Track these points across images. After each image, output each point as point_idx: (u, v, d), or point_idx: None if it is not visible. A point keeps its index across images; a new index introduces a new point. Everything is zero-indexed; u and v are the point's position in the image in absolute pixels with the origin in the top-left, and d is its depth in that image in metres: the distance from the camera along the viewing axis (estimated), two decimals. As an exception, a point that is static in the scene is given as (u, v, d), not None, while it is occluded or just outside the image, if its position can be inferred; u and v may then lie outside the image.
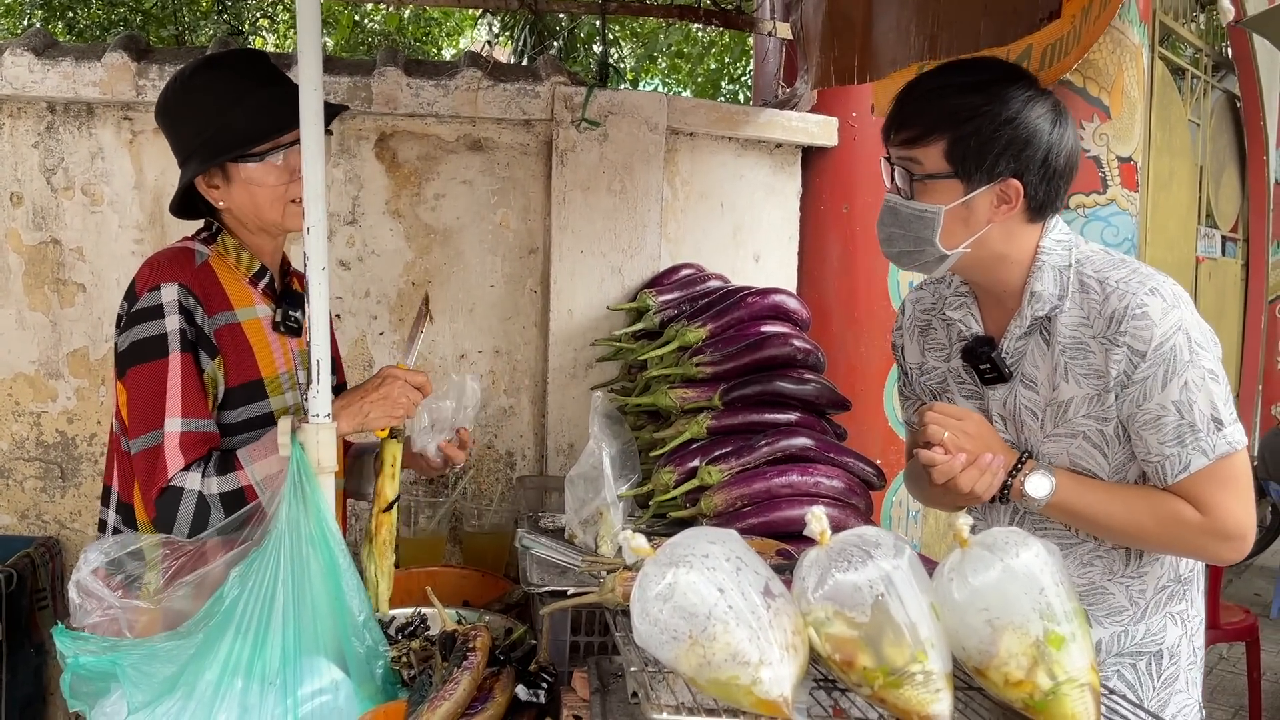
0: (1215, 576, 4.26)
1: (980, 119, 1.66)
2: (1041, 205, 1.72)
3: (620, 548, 2.13)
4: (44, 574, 2.83)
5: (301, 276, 2.23)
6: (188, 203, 2.04)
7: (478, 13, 10.56)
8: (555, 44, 9.60)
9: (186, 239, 2.04)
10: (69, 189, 2.89)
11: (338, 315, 3.00)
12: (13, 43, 2.85)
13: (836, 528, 2.18)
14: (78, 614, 1.86)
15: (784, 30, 3.45)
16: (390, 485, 2.09)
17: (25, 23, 10.25)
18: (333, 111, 2.07)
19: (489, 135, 3.01)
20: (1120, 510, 1.71)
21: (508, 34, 10.22)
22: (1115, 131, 5.04)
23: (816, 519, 1.25)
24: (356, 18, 10.08)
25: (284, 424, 1.88)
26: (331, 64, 2.97)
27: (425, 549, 2.94)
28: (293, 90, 2.00)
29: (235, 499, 1.85)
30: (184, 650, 1.75)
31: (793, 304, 2.71)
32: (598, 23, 9.00)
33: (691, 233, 3.18)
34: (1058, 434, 1.76)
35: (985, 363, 1.81)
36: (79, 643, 1.74)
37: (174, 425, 1.88)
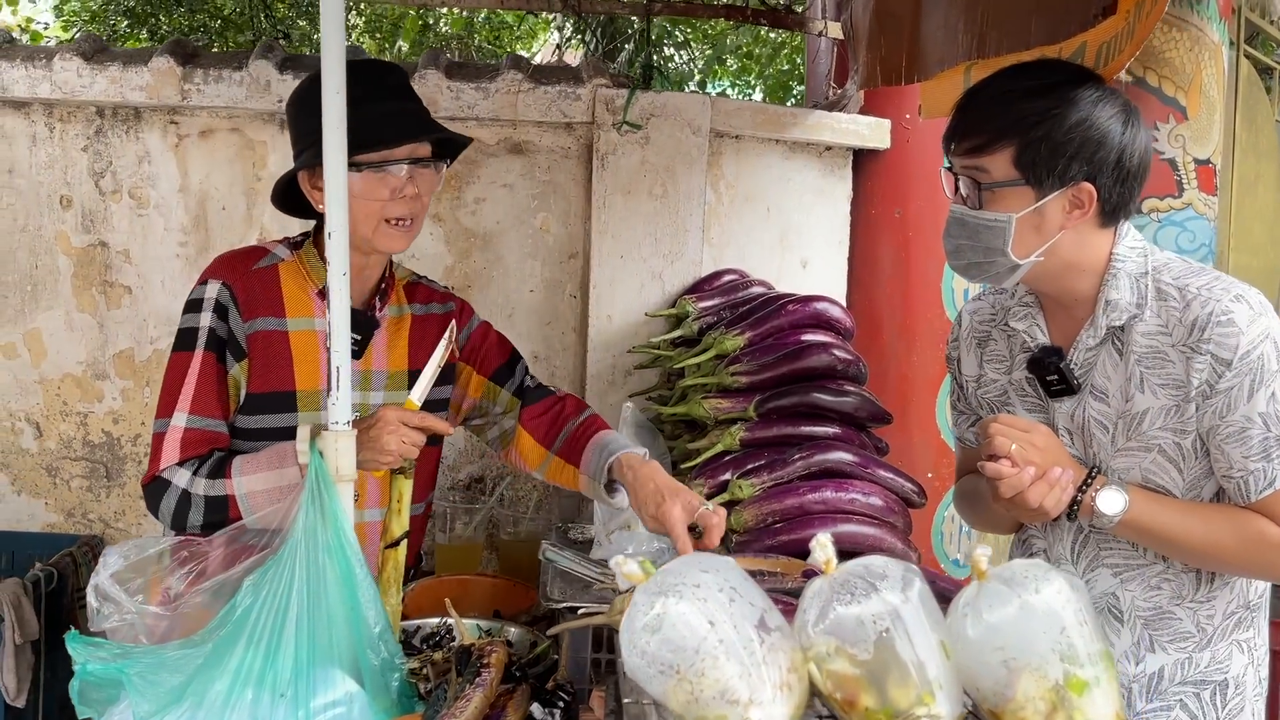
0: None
1: (1050, 122, 1.60)
2: (1115, 209, 1.66)
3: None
4: (86, 573, 2.86)
5: (411, 287, 2.14)
6: (294, 200, 2.00)
7: (551, 15, 10.58)
8: (627, 47, 9.56)
9: (272, 241, 2.03)
10: (116, 192, 2.92)
11: (377, 319, 2.99)
12: (63, 47, 2.89)
13: (871, 549, 2.12)
14: (95, 618, 1.85)
15: (835, 30, 3.35)
16: (396, 522, 2.04)
17: (109, 28, 10.58)
18: (457, 144, 2.02)
19: (530, 138, 2.97)
20: (1199, 528, 1.63)
21: (580, 37, 10.22)
22: (1192, 132, 4.82)
23: (821, 546, 1.17)
24: (428, 21, 10.15)
25: (303, 431, 1.86)
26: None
27: (461, 556, 2.90)
28: (420, 110, 1.97)
29: (218, 505, 1.85)
30: (192, 660, 1.73)
31: (836, 312, 2.62)
32: (668, 25, 8.95)
33: (736, 237, 3.10)
34: (1130, 448, 1.68)
35: (1053, 374, 1.74)
36: (90, 649, 1.73)
37: (180, 420, 1.89)
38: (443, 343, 1.98)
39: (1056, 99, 1.62)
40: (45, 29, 10.89)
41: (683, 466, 2.37)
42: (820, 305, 2.61)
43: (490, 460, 3.05)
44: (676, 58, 10.13)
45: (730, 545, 2.20)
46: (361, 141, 1.86)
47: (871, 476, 2.23)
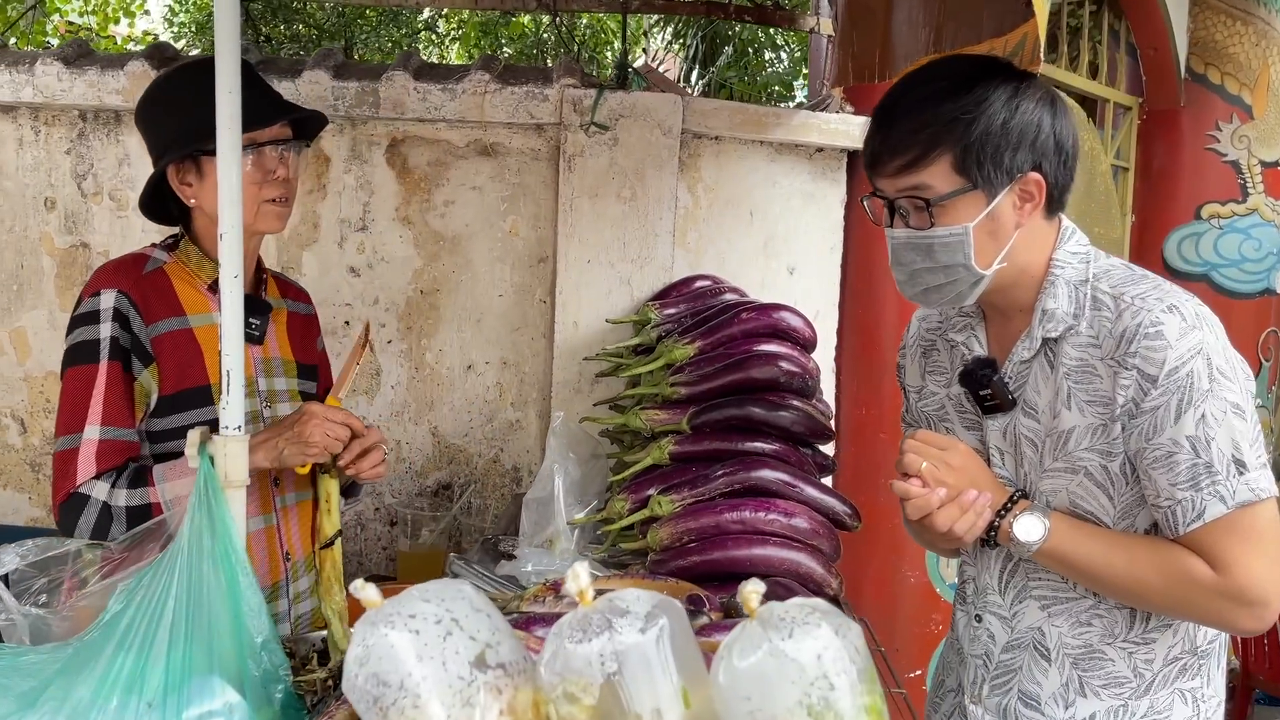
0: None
1: (983, 118, 1.48)
2: (1060, 195, 1.55)
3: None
4: (57, 567, 2.91)
5: (279, 280, 2.21)
6: (159, 207, 2.04)
7: (652, 20, 10.54)
8: (727, 50, 9.47)
9: (148, 246, 2.04)
10: (98, 194, 2.98)
11: (346, 322, 2.98)
12: (45, 52, 2.95)
13: (787, 573, 2.00)
14: (-17, 619, 1.87)
15: (827, 26, 3.21)
16: (328, 521, 2.02)
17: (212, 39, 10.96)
18: (314, 123, 2.06)
19: (500, 140, 2.92)
20: (1122, 562, 1.50)
21: (680, 41, 10.17)
22: (1258, 133, 4.51)
23: (574, 576, 1.08)
24: (487, 27, 10.22)
25: (192, 435, 1.84)
26: (344, 69, 2.95)
27: (426, 563, 2.87)
28: (270, 93, 2.02)
29: (141, 514, 1.82)
30: (49, 664, 1.72)
31: (794, 321, 2.49)
32: (760, 30, 8.81)
33: (714, 242, 2.99)
34: (1057, 469, 1.56)
35: (986, 388, 1.62)
36: (-50, 648, 1.74)
37: (93, 432, 1.88)
38: (360, 345, 2.01)
39: (981, 93, 1.50)
40: (154, 40, 11.39)
41: (611, 479, 2.28)
42: (777, 315, 2.48)
43: (458, 467, 3.01)
44: (773, 61, 9.98)
45: (645, 564, 2.10)
46: None
47: (799, 496, 2.10)
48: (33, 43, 8.55)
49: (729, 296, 2.76)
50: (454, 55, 11.45)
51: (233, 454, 1.81)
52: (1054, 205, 1.56)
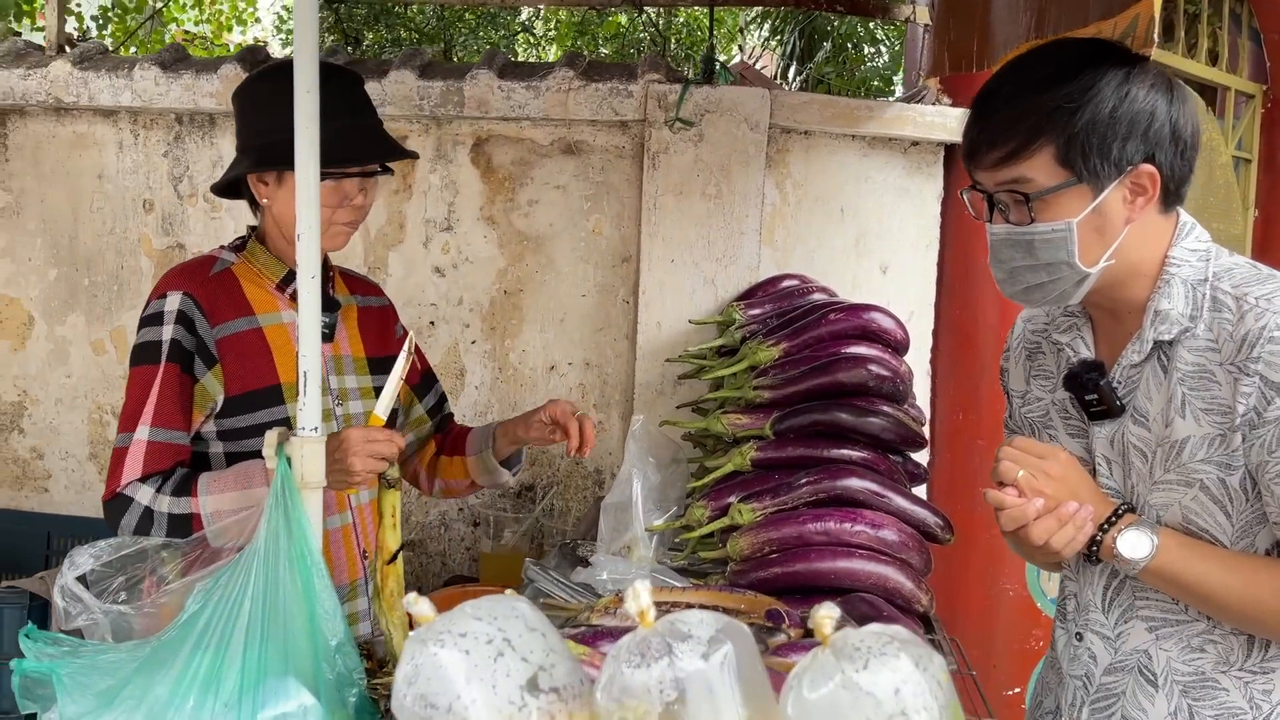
0: None
1: (1090, 106, 1.39)
2: (1178, 188, 1.45)
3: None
4: (151, 562, 2.98)
5: (347, 276, 2.21)
6: (232, 187, 2.04)
7: (750, 16, 10.44)
8: (825, 46, 9.33)
9: (217, 248, 2.06)
10: (193, 196, 3.03)
11: (431, 322, 2.98)
12: (143, 57, 3.02)
13: (874, 587, 1.90)
14: (64, 618, 1.89)
15: (924, 15, 3.08)
16: (391, 535, 2.01)
17: (324, 40, 11.27)
18: (395, 151, 2.04)
19: (583, 138, 2.88)
20: (1238, 585, 1.40)
21: (778, 38, 10.06)
22: None
23: (635, 595, 1.02)
24: (622, 22, 10.22)
25: (270, 436, 1.83)
26: (430, 69, 2.94)
27: (508, 564, 2.84)
28: (377, 127, 2.01)
29: (182, 522, 1.83)
30: (127, 664, 1.73)
31: (885, 322, 2.39)
32: (860, 24, 8.63)
33: (803, 241, 2.90)
34: (1169, 481, 1.45)
35: (1092, 392, 1.52)
36: (38, 645, 1.76)
37: (143, 433, 1.88)
38: (403, 356, 1.97)
39: (1088, 80, 1.40)
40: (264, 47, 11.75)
41: (689, 485, 2.22)
42: (867, 315, 2.39)
43: (540, 469, 2.98)
44: (871, 55, 9.78)
45: (725, 574, 2.03)
46: (329, 159, 1.85)
47: (887, 506, 2.00)
48: (151, 52, 8.85)
49: (817, 296, 2.67)
50: (552, 55, 11.51)
51: (310, 455, 1.80)
52: (1170, 199, 1.45)
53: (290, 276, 2.02)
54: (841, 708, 0.94)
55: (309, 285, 1.79)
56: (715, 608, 1.70)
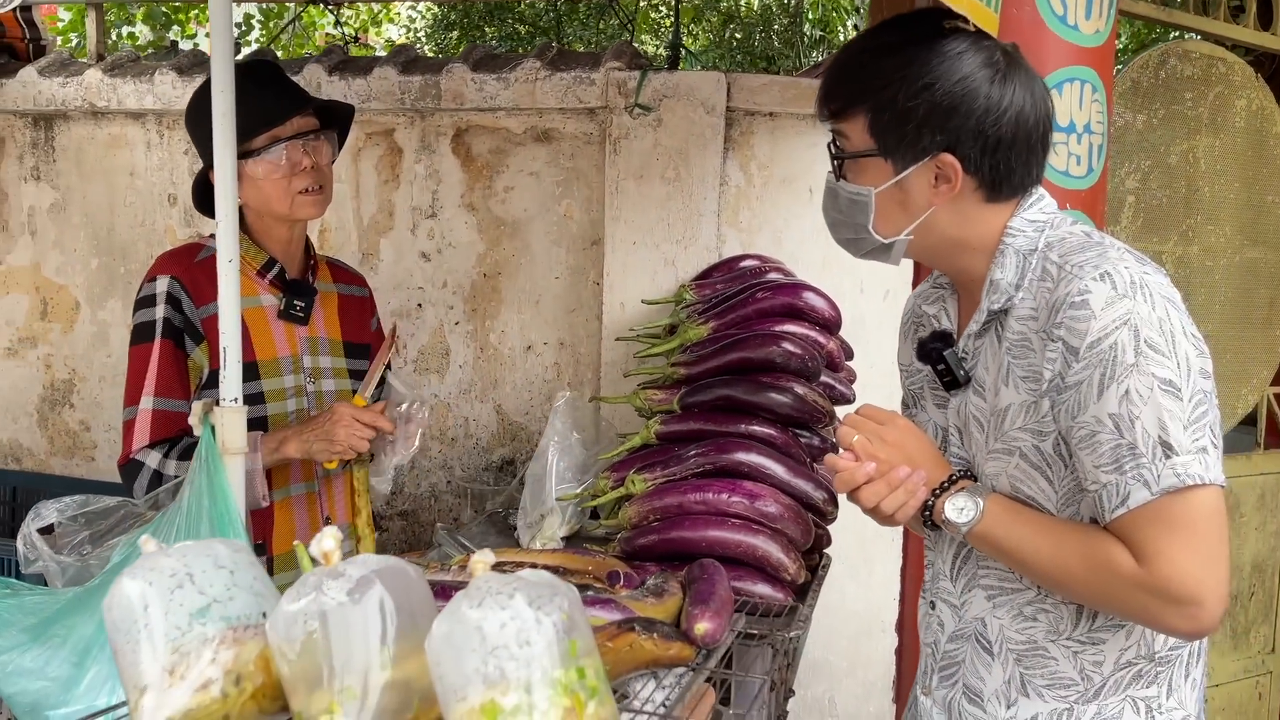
0: None
1: (896, 85, 1.43)
2: (996, 183, 1.45)
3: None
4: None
5: (332, 265, 2.39)
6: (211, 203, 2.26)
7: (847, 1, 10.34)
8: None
9: (205, 236, 2.26)
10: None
11: (419, 305, 3.14)
12: (162, 64, 3.28)
13: (744, 555, 1.97)
14: (24, 564, 2.13)
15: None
16: (363, 501, 2.21)
17: (449, 37, 11.75)
18: (342, 111, 2.24)
19: (554, 126, 2.99)
20: (1048, 548, 1.41)
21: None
22: None
23: (320, 540, 1.13)
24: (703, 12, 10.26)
25: (196, 407, 2.03)
26: (411, 65, 3.10)
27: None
28: (290, 89, 2.19)
29: None
30: (51, 605, 1.95)
31: (814, 301, 2.42)
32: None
33: (770, 222, 2.93)
34: (997, 450, 1.48)
35: (940, 362, 1.56)
36: (-9, 590, 1.99)
37: (148, 403, 2.12)
38: (386, 346, 2.15)
39: (907, 57, 1.43)
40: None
41: (600, 457, 2.31)
42: (796, 294, 2.42)
43: (519, 444, 3.11)
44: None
45: (618, 540, 2.12)
46: (249, 129, 2.04)
47: (774, 480, 2.05)
48: (295, 54, 9.36)
49: (773, 276, 2.70)
50: (690, 40, 11.56)
51: (230, 424, 1.97)
52: (992, 192, 1.45)
53: (270, 264, 2.21)
54: (455, 640, 1.03)
55: (226, 268, 1.96)
56: (556, 568, 1.80)
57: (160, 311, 2.13)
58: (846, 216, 1.50)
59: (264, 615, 1.14)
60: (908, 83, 1.40)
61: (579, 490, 2.27)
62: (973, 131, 1.40)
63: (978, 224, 1.46)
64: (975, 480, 1.51)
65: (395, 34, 12.98)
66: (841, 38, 11.90)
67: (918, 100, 1.40)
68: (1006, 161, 1.43)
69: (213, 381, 2.12)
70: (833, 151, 1.51)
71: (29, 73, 3.35)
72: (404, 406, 2.14)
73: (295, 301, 2.23)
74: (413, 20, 13.05)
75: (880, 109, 1.42)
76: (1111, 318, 1.31)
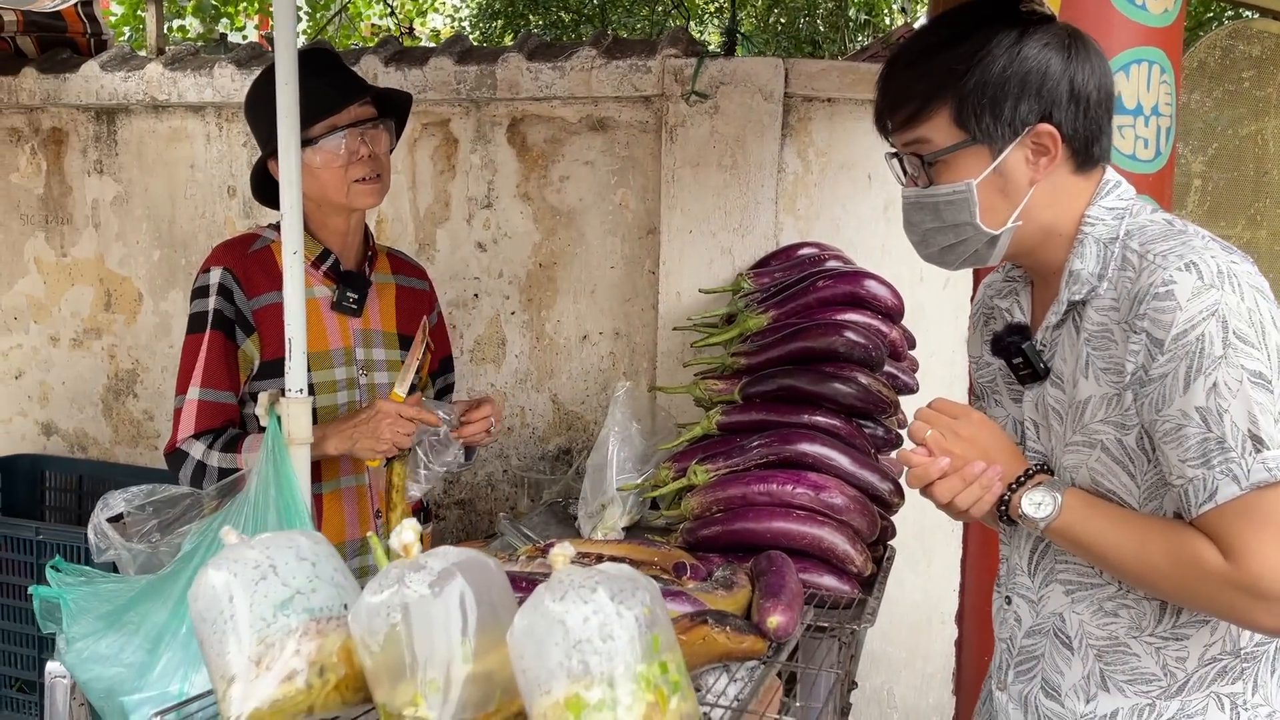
0: None
1: (980, 66, 1.41)
2: (1086, 146, 1.44)
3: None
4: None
5: (393, 257, 2.39)
6: (273, 193, 2.26)
7: None
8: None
9: (261, 226, 2.29)
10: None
11: (475, 295, 3.16)
12: (222, 57, 3.32)
13: (809, 547, 1.96)
14: (95, 554, 2.17)
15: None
16: (399, 497, 2.21)
17: (494, 25, 11.81)
18: (400, 100, 2.24)
19: (609, 115, 2.98)
20: (1132, 544, 1.38)
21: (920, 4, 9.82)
22: None
23: (398, 535, 1.14)
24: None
25: (262, 398, 2.05)
26: (466, 55, 3.11)
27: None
28: (348, 78, 2.19)
29: (230, 476, 2.07)
30: (125, 593, 1.98)
31: (877, 290, 2.39)
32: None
33: (828, 209, 2.90)
34: (1076, 443, 1.46)
35: (1017, 356, 1.53)
36: (59, 575, 2.04)
37: (194, 394, 2.14)
38: (418, 340, 2.15)
39: (980, 41, 1.42)
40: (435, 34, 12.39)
41: (660, 448, 2.30)
42: (858, 282, 2.39)
43: (575, 433, 3.12)
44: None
45: (680, 530, 2.11)
46: (307, 117, 2.05)
47: (839, 471, 2.03)
48: (341, 45, 9.46)
49: (832, 264, 2.67)
50: (743, 26, 11.51)
51: (296, 414, 1.99)
52: (1082, 159, 1.44)
53: (324, 255, 2.22)
54: (538, 634, 1.03)
55: (291, 260, 1.98)
56: (622, 559, 1.80)
57: (212, 303, 2.15)
58: (945, 221, 1.45)
59: (345, 607, 1.15)
60: (993, 60, 1.38)
61: (640, 480, 2.26)
62: (1066, 93, 1.39)
63: (1065, 203, 1.44)
64: (1052, 474, 1.48)
65: (439, 23, 13.05)
66: (888, 21, 11.79)
67: (1008, 74, 1.38)
68: (1098, 124, 1.42)
69: (264, 372, 2.14)
70: (907, 167, 1.47)
71: (91, 67, 3.40)
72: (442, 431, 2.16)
73: (349, 293, 2.23)
74: (457, 10, 13.10)
75: (967, 95, 1.40)
76: (1198, 309, 1.29)
